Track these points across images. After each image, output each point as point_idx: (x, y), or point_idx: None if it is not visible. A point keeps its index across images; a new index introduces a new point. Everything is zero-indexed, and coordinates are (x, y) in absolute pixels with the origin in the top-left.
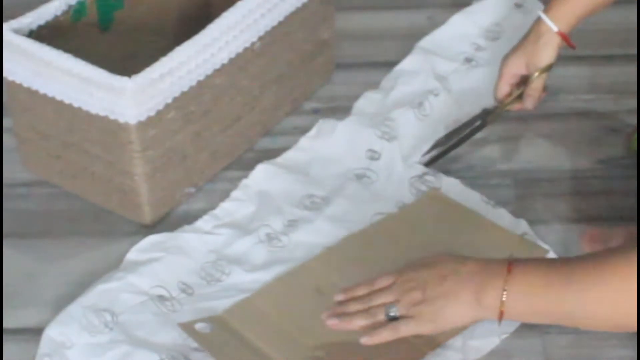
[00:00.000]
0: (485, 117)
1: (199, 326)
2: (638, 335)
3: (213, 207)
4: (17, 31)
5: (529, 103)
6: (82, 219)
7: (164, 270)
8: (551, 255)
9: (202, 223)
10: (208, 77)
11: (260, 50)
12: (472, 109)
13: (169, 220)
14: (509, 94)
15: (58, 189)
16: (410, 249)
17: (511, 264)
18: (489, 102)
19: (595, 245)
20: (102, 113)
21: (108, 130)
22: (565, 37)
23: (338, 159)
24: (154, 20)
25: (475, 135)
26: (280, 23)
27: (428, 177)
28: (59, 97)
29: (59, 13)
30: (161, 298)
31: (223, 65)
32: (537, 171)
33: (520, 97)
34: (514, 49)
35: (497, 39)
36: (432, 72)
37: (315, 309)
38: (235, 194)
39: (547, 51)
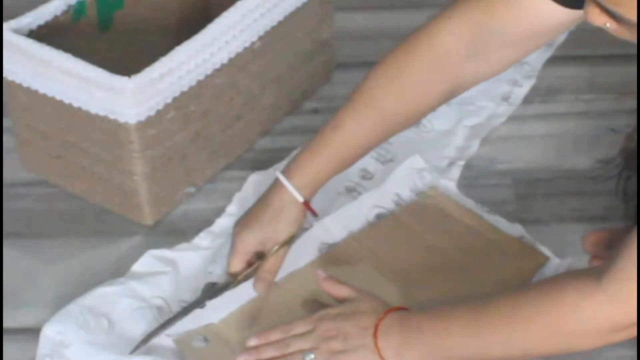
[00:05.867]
0: (215, 294)
1: (195, 340)
2: (638, 335)
3: (213, 207)
4: (17, 31)
5: (259, 287)
6: (82, 219)
7: (167, 284)
8: (552, 260)
9: (199, 240)
10: (208, 77)
11: (260, 50)
12: (473, 120)
13: (169, 220)
14: (244, 269)
15: (58, 189)
16: (408, 255)
17: (421, 320)
18: (478, 120)
19: (598, 248)
20: (102, 113)
21: (108, 130)
22: (309, 207)
23: None
24: (154, 20)
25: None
26: (280, 23)
27: (425, 174)
28: (58, 97)
29: (58, 13)
30: (160, 309)
31: (223, 65)
32: (536, 171)
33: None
34: (249, 222)
35: None
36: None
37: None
38: (230, 209)
39: (288, 225)
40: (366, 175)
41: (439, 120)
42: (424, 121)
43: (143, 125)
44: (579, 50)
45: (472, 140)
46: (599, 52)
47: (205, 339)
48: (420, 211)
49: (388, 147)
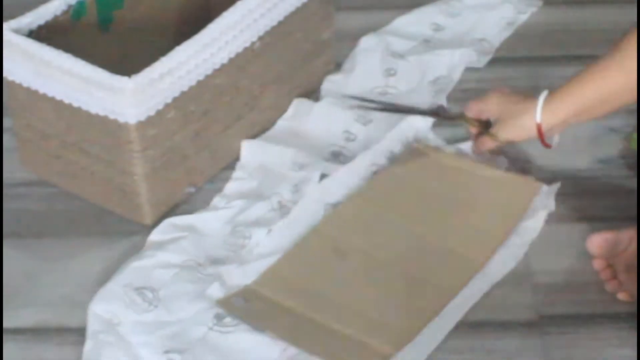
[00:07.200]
0: (439, 113)
1: (235, 301)
2: (638, 335)
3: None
4: (17, 31)
5: (474, 147)
6: (82, 219)
7: (191, 246)
8: (544, 189)
9: (215, 203)
10: (208, 77)
11: (260, 50)
12: (437, 72)
13: None
14: (475, 117)
15: (58, 189)
16: (411, 200)
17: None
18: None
19: (602, 249)
20: (102, 113)
21: (108, 130)
22: (540, 133)
23: (316, 136)
24: (154, 20)
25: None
26: (280, 23)
27: (415, 131)
28: (58, 97)
29: (58, 13)
30: (195, 268)
31: (223, 65)
32: (536, 171)
33: (480, 125)
34: (504, 94)
35: (458, 15)
36: (388, 50)
37: (337, 267)
38: (236, 174)
39: (515, 131)
40: (349, 137)
41: (402, 81)
42: (390, 84)
43: (143, 125)
44: (579, 50)
45: (438, 98)
46: (598, 52)
47: (245, 299)
48: (410, 162)
49: (364, 112)
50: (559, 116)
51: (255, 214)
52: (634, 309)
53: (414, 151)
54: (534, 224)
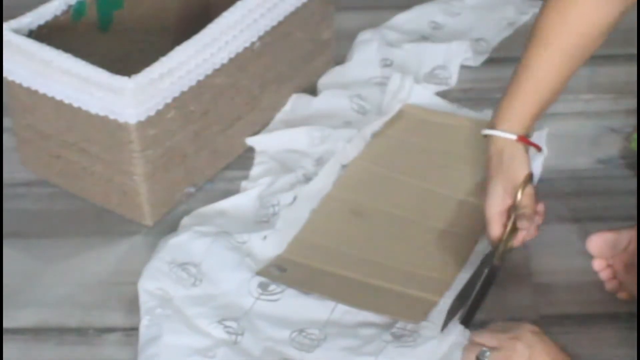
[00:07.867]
0: (491, 261)
1: (272, 271)
2: (638, 335)
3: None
4: (17, 31)
5: (522, 224)
6: (82, 219)
7: (224, 222)
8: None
9: (244, 186)
10: (208, 77)
11: (260, 50)
12: (433, 62)
13: (169, 220)
14: (504, 232)
15: (58, 188)
16: (410, 158)
17: None
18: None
19: (602, 249)
20: (101, 113)
21: (108, 130)
22: (527, 141)
23: (322, 116)
24: (154, 20)
25: (492, 285)
26: (280, 23)
27: (405, 84)
28: (58, 97)
29: (58, 13)
30: (229, 235)
31: (223, 65)
32: None
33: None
34: (483, 186)
35: (458, 14)
36: (384, 40)
37: (358, 227)
38: (257, 160)
39: (517, 164)
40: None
41: (398, 72)
42: (386, 74)
43: (143, 125)
44: None
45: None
46: (599, 52)
47: (281, 269)
48: (402, 123)
49: (361, 102)
50: (524, 119)
51: (281, 186)
52: (634, 309)
53: (403, 113)
54: (534, 169)
